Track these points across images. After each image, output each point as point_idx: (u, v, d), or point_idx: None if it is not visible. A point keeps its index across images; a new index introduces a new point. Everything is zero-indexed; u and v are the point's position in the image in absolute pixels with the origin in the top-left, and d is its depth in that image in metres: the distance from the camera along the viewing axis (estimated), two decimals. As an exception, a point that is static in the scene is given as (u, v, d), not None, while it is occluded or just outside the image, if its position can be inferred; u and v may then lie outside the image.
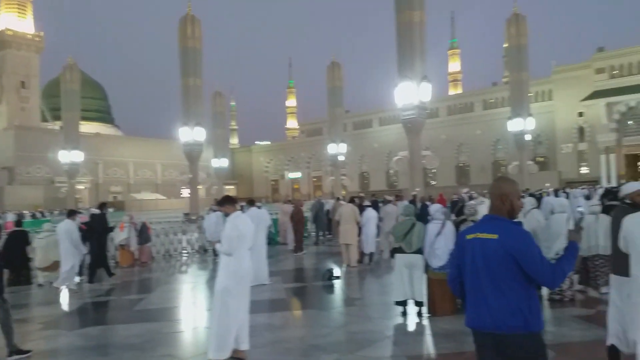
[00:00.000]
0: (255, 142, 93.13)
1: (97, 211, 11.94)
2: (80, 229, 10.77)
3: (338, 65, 41.49)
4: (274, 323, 6.99)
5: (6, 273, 9.03)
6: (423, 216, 11.09)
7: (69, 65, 43.19)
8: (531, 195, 16.35)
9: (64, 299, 9.52)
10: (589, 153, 49.37)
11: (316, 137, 73.23)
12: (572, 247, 2.89)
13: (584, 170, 50.12)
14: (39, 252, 11.21)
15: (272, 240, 18.22)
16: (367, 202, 14.51)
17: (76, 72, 43.78)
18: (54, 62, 62.32)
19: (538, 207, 9.41)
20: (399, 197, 15.27)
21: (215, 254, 11.90)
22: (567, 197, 16.93)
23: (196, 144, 34.05)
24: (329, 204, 19.32)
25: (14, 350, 5.71)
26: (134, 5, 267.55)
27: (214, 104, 51.80)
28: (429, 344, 5.93)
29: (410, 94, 23.98)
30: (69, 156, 42.65)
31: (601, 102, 46.56)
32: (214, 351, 5.21)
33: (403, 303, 7.15)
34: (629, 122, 47.08)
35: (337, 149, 40.96)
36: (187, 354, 5.79)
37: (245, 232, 5.39)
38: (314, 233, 18.59)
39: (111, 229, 12.10)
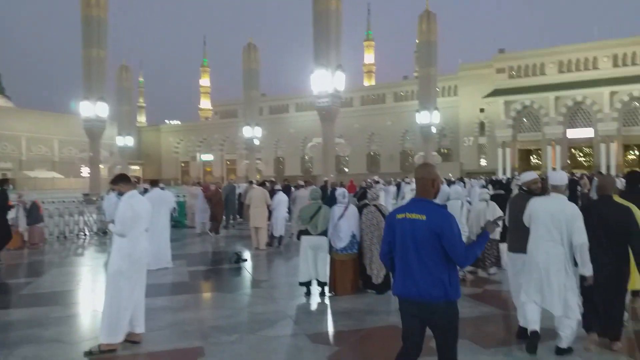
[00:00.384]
0: (165, 121, 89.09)
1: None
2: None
3: (255, 47, 40.79)
4: (174, 306, 6.78)
5: None
6: (333, 201, 11.32)
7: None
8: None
9: None
10: (488, 147, 53.20)
11: (231, 119, 71.69)
12: (484, 235, 3.32)
13: (483, 162, 53.97)
14: None
15: (179, 223, 17.68)
16: (277, 186, 14.48)
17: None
18: None
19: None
20: (308, 182, 15.44)
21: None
22: (465, 186, 18.11)
23: (98, 120, 31.84)
24: (241, 188, 19.06)
25: None
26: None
27: (119, 78, 48.63)
28: (329, 322, 6.07)
29: (325, 81, 24.25)
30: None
31: (500, 100, 50.26)
32: (106, 335, 4.94)
33: (307, 284, 7.26)
34: (523, 120, 51.33)
35: (253, 133, 40.44)
36: (77, 339, 5.43)
37: (140, 213, 5.13)
38: (224, 217, 18.24)
39: (10, 207, 10.98)
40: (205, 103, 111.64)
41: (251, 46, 40.70)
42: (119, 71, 48.75)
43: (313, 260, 7.26)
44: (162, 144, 79.32)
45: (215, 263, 10.79)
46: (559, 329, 4.61)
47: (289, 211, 15.32)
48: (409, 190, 8.37)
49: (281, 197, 12.49)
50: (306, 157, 63.94)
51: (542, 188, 5.56)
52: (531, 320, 4.68)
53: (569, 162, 49.25)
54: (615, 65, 46.49)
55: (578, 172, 33.82)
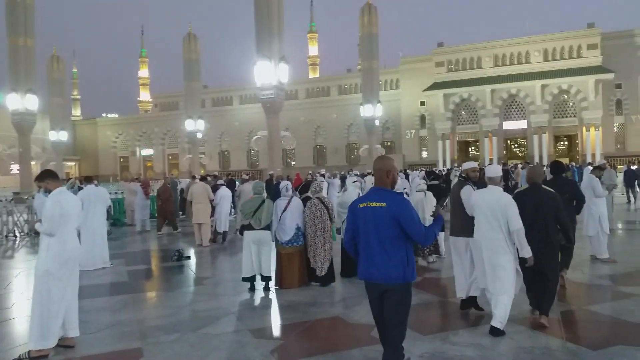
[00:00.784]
0: (102, 115, 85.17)
1: None
2: None
3: (195, 37, 39.79)
4: (111, 307, 6.53)
5: None
6: (279, 194, 11.28)
7: None
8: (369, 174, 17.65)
9: None
10: (429, 139, 54.80)
11: (172, 112, 69.55)
12: (439, 217, 3.78)
13: (425, 154, 55.57)
14: None
15: (118, 221, 17.03)
16: (220, 181, 14.23)
17: None
18: None
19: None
20: (252, 177, 15.30)
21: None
22: (407, 178, 18.54)
23: (28, 114, 30.01)
24: (182, 183, 18.59)
25: None
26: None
27: (50, 69, 45.99)
28: (272, 317, 6.04)
29: (268, 73, 24.04)
30: None
31: (439, 93, 51.82)
32: (36, 341, 4.68)
33: (251, 279, 7.20)
34: (462, 112, 53.23)
35: (195, 126, 39.55)
36: (6, 346, 5.11)
37: (69, 211, 4.87)
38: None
39: None
40: (144, 95, 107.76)
41: (191, 36, 39.67)
42: (49, 61, 46.11)
43: (256, 255, 7.20)
44: (99, 139, 75.80)
45: (157, 261, 10.49)
46: (495, 307, 4.93)
47: (234, 206, 15.15)
48: (351, 183, 8.46)
49: (224, 192, 12.29)
50: (252, 151, 63.28)
51: (479, 178, 6.04)
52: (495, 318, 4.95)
53: (505, 152, 51.67)
54: (546, 59, 49.08)
55: (511, 163, 35.60)
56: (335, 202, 9.90)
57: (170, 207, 14.84)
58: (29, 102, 29.80)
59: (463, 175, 5.95)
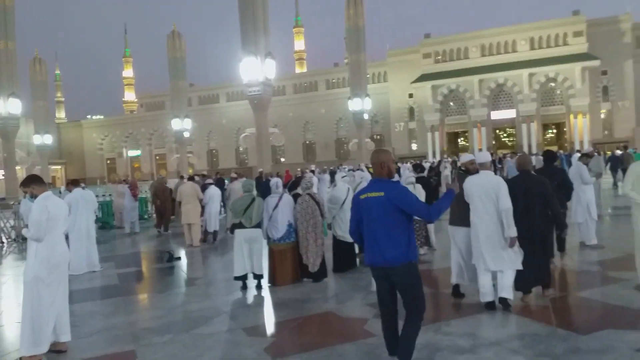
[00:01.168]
0: (87, 117, 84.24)
1: None
2: None
3: (179, 35, 39.40)
4: (103, 310, 6.48)
5: None
6: (269, 192, 11.26)
7: None
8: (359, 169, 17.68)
9: None
10: (418, 131, 54.87)
11: (158, 112, 68.90)
12: (449, 191, 3.89)
13: (414, 147, 55.68)
14: None
15: (106, 224, 16.91)
16: (209, 180, 14.16)
17: None
18: None
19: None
20: (240, 175, 15.26)
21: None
22: (397, 171, 18.62)
23: (11, 118, 29.63)
24: (171, 184, 18.46)
25: None
26: None
27: (33, 71, 45.23)
28: (265, 315, 6.04)
29: (255, 70, 23.91)
30: None
31: (427, 85, 51.81)
32: (28, 347, 4.65)
33: (243, 277, 7.18)
34: (450, 104, 53.35)
35: (182, 125, 39.25)
36: (-5, 355, 5.06)
37: (56, 215, 4.82)
38: (155, 215, 17.63)
39: None
40: (129, 95, 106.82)
41: (175, 34, 39.29)
42: (32, 64, 45.38)
43: (248, 254, 7.18)
44: (85, 141, 74.97)
45: (147, 263, 10.43)
46: (502, 280, 5.33)
47: (224, 205, 15.09)
48: (340, 178, 8.46)
49: (213, 191, 12.21)
50: (240, 149, 62.98)
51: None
52: (486, 292, 5.39)
53: (494, 142, 51.92)
54: (532, 47, 49.26)
55: (500, 154, 35.83)
56: (326, 197, 9.90)
57: (168, 208, 14.80)
58: (12, 106, 29.43)
59: (462, 168, 6.20)
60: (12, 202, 21.58)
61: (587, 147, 31.74)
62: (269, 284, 7.22)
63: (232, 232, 7.39)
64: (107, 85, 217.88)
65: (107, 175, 70.26)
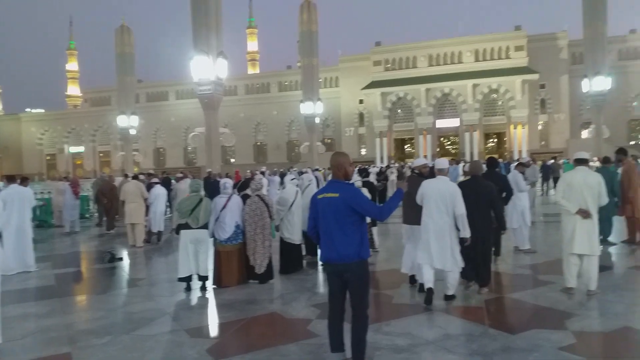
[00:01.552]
0: (26, 110, 79.77)
1: None
2: None
3: (128, 30, 38.09)
4: (37, 312, 6.22)
5: None
6: (218, 192, 11.18)
7: None
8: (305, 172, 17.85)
9: None
10: (367, 136, 55.81)
11: (103, 107, 66.24)
12: (398, 191, 4.15)
13: (364, 151, 56.57)
14: None
15: (45, 223, 16.16)
16: (155, 179, 13.84)
17: None
18: None
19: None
20: (185, 174, 15.05)
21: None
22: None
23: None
24: (114, 182, 17.85)
25: None
26: None
27: (-33, 60, 42.53)
28: (210, 316, 6.00)
29: (206, 68, 23.54)
30: None
31: (377, 92, 52.86)
32: (-48, 352, 4.40)
33: (187, 279, 7.10)
34: (398, 111, 54.62)
35: (129, 122, 37.93)
36: None
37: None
38: (97, 214, 17.04)
39: None
40: (73, 90, 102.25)
41: (124, 28, 37.98)
42: (-35, 52, 42.59)
43: (194, 255, 7.11)
44: (23, 135, 70.95)
45: (87, 263, 10.07)
46: (447, 279, 5.92)
47: (170, 205, 14.79)
48: (289, 181, 8.54)
49: (159, 190, 11.94)
50: (189, 148, 61.68)
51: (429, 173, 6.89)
52: (427, 280, 5.85)
53: (438, 150, 53.59)
54: (477, 59, 51.34)
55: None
56: (275, 199, 9.93)
57: (115, 207, 14.36)
58: (-59, 95, 27.44)
59: (416, 171, 6.75)
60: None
61: (525, 157, 33.39)
62: (214, 286, 7.17)
63: (177, 232, 7.28)
64: (49, 78, 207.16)
65: (47, 172, 66.78)
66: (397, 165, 33.09)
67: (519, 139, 48.61)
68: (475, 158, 44.68)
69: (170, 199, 14.50)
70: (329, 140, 58.83)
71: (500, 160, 35.25)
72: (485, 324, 5.12)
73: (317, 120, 40.46)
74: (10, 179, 9.26)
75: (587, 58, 36.26)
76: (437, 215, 5.71)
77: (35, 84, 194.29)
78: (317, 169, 25.25)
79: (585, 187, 5.98)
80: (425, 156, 48.14)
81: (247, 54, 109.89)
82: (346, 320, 4.01)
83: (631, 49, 49.60)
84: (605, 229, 9.14)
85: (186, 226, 7.10)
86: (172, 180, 17.26)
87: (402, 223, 6.71)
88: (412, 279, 6.65)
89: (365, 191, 8.36)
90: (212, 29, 23.72)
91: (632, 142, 46.97)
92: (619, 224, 9.69)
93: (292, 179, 8.67)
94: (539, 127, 51.34)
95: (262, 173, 20.56)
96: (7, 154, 68.86)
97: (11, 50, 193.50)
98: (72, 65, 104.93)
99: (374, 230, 9.02)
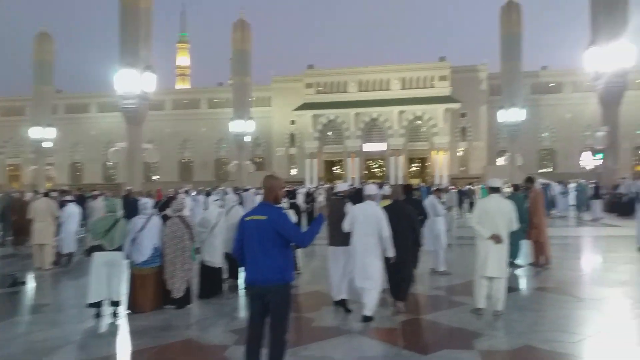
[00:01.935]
0: None
1: None
2: None
3: (48, 36, 36.13)
4: None
5: None
6: (136, 212, 10.69)
7: None
8: (236, 192, 17.64)
9: None
10: (298, 157, 56.17)
11: (15, 117, 61.41)
12: (319, 217, 4.20)
13: (294, 172, 56.79)
14: None
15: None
16: (69, 197, 13.03)
17: None
18: None
19: (241, 203, 10.20)
20: (100, 193, 14.32)
21: None
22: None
23: None
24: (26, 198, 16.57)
25: None
26: None
27: None
28: (120, 344, 5.68)
29: (132, 82, 22.79)
30: None
31: (309, 114, 53.58)
32: None
33: (98, 304, 6.68)
34: (328, 133, 55.58)
35: (43, 134, 35.68)
36: None
37: None
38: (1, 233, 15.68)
39: None
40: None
41: (43, 35, 35.95)
42: None
43: (107, 278, 6.71)
44: None
45: (-15, 287, 9.19)
46: (366, 299, 6.13)
47: (84, 225, 13.96)
48: (212, 201, 8.40)
49: (72, 209, 11.22)
50: (109, 163, 58.71)
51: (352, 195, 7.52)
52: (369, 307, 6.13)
53: (365, 172, 55.05)
54: (403, 87, 53.71)
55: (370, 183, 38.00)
56: (197, 220, 9.68)
57: (25, 225, 13.25)
58: None
59: (341, 194, 7.05)
60: None
61: (445, 182, 35.22)
62: (128, 311, 6.81)
63: (88, 254, 6.86)
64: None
65: (-55, 185, 60.60)
66: (326, 186, 33.53)
67: (441, 164, 51.08)
68: (400, 181, 46.34)
69: (85, 218, 13.68)
70: (259, 159, 58.55)
71: (423, 184, 36.85)
72: (399, 346, 5.26)
73: (248, 138, 40.29)
74: None
75: (503, 90, 39.20)
76: (363, 236, 6.14)
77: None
78: (246, 189, 24.98)
79: (498, 213, 6.40)
80: (353, 178, 49.27)
81: (177, 68, 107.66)
82: (264, 346, 3.95)
83: (543, 83, 54.11)
84: (513, 251, 9.77)
85: (100, 248, 6.73)
86: (88, 197, 16.33)
87: (327, 245, 6.85)
88: (341, 304, 6.67)
89: (291, 213, 8.38)
90: (141, 41, 23.14)
91: (541, 170, 50.92)
92: (525, 247, 10.39)
93: (216, 200, 8.51)
94: (459, 154, 54.28)
95: (187, 192, 20.00)
96: None
97: None
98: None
99: (298, 252, 9.02)
